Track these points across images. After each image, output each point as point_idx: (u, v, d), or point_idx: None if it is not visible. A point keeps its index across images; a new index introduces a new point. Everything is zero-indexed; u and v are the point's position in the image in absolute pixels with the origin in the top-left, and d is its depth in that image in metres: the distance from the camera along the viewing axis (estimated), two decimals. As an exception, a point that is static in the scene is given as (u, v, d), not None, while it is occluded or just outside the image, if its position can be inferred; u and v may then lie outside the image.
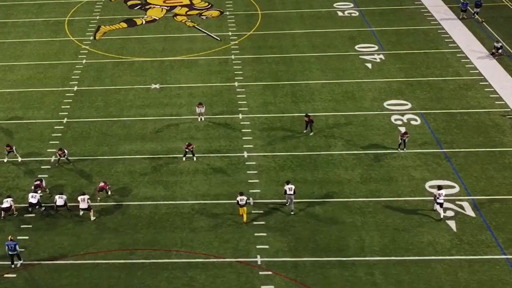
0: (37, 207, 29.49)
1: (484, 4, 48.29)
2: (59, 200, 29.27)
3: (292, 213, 29.08)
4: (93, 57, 44.35)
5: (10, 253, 26.05)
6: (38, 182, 30.45)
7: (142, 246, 27.43)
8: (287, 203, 29.45)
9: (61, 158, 32.74)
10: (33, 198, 29.25)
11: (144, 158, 33.27)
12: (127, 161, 33.13)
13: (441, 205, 28.33)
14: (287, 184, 29.03)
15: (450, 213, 28.77)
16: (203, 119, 36.26)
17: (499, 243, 26.95)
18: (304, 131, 34.82)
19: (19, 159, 33.36)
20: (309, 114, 34.86)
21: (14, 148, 33.16)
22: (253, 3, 52.35)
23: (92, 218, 29.10)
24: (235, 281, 25.47)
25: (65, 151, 32.70)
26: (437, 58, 42.58)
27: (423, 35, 45.91)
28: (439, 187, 28.54)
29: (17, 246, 26.03)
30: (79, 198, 29.10)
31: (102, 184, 30.25)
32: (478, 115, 36.04)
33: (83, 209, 29.17)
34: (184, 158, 32.99)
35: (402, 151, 32.94)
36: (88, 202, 29.03)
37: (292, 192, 28.83)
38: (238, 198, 28.38)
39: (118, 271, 26.12)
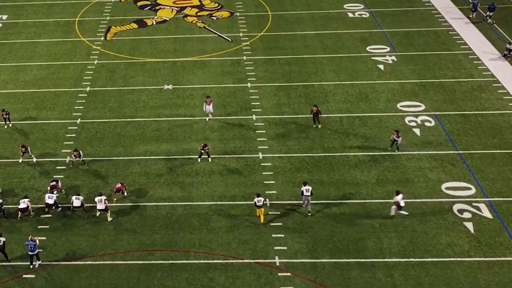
0: (53, 207, 29.50)
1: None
2: (76, 201, 29.28)
3: (309, 214, 29.07)
4: (104, 57, 44.34)
5: (30, 253, 26.06)
6: (54, 183, 30.45)
7: (161, 247, 27.44)
8: (304, 204, 29.44)
9: (76, 159, 32.74)
10: (50, 199, 29.27)
11: (159, 159, 33.27)
12: (143, 162, 33.12)
13: (399, 207, 28.38)
14: (304, 185, 29.01)
15: (467, 215, 28.76)
16: (210, 117, 36.14)
17: (517, 245, 27.00)
18: (314, 126, 34.90)
19: (34, 159, 33.36)
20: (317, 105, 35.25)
21: (29, 148, 33.15)
22: (263, 4, 52.34)
23: (109, 219, 29.10)
24: (255, 282, 25.46)
25: (81, 152, 32.69)
26: (449, 59, 42.55)
27: (434, 36, 45.87)
28: (397, 193, 28.58)
29: (36, 246, 26.02)
30: (96, 199, 29.08)
31: (119, 185, 30.23)
32: (493, 117, 36.03)
33: (100, 210, 29.15)
34: (199, 159, 32.98)
35: (394, 152, 32.89)
36: (105, 203, 29.00)
37: (309, 194, 28.83)
38: (255, 199, 28.38)
39: (138, 272, 26.13)
